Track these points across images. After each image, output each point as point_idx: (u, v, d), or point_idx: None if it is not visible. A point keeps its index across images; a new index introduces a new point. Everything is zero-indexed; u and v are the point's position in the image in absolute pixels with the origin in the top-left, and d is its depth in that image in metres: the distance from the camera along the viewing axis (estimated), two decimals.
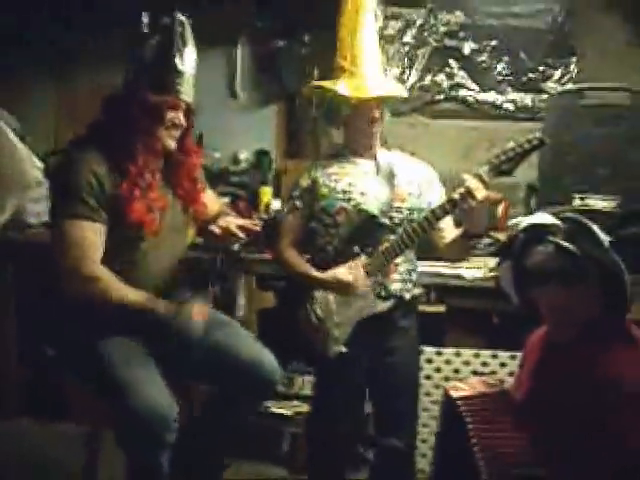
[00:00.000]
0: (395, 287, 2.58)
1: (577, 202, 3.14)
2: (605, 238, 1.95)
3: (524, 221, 2.05)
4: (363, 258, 2.54)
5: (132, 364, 2.29)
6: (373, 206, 2.56)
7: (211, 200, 2.73)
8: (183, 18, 2.36)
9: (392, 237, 2.54)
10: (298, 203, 2.68)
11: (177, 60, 2.33)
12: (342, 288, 2.54)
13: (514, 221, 2.12)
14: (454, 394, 2.07)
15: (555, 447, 1.90)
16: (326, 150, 3.14)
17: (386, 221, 2.57)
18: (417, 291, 2.68)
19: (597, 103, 3.29)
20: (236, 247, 2.75)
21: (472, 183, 2.36)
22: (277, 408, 3.42)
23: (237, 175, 4.03)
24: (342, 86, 2.57)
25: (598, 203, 3.12)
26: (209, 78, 4.18)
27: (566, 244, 1.90)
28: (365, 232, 2.57)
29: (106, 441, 2.51)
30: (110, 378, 2.25)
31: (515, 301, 2.11)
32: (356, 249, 2.56)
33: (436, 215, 2.47)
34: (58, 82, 4.26)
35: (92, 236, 2.28)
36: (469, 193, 2.36)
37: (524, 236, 2.02)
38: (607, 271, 1.91)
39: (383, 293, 2.57)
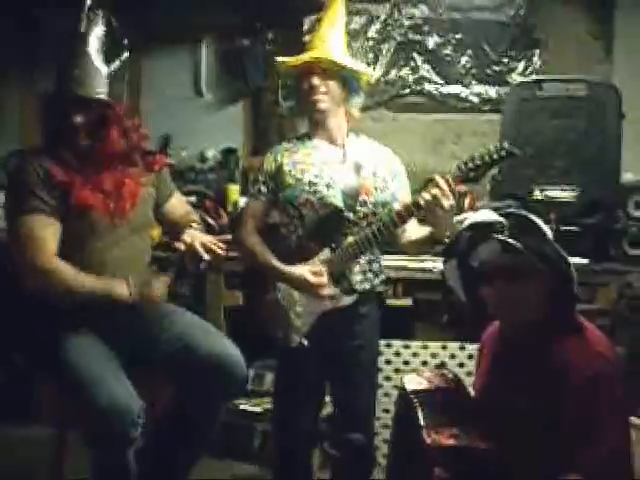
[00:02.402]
0: (357, 279, 2.58)
1: (537, 193, 3.18)
2: (548, 231, 1.95)
3: (468, 219, 2.04)
4: (327, 251, 2.53)
5: (94, 361, 2.30)
6: (338, 199, 2.54)
7: (178, 204, 2.73)
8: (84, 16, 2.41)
9: (355, 229, 2.53)
10: (263, 188, 2.63)
11: (74, 59, 2.38)
12: (306, 289, 2.53)
13: (459, 218, 2.12)
14: (409, 387, 2.08)
15: (509, 441, 1.89)
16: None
17: (351, 215, 2.55)
18: (377, 281, 2.65)
19: (554, 95, 3.33)
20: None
21: (438, 192, 2.33)
22: (247, 405, 3.44)
23: (204, 173, 4.03)
24: (286, 57, 2.62)
25: (557, 194, 3.16)
26: (175, 78, 4.24)
27: (510, 241, 1.89)
28: (329, 225, 2.55)
29: (72, 442, 2.52)
30: (72, 376, 2.26)
31: (463, 298, 2.11)
32: (319, 244, 2.54)
33: (401, 217, 2.44)
34: (22, 86, 4.23)
35: (47, 229, 2.31)
36: (436, 201, 2.34)
37: (468, 234, 2.01)
38: (552, 264, 1.90)
39: (345, 286, 2.56)
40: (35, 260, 2.28)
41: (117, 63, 2.46)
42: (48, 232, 2.32)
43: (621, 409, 1.86)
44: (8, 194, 2.44)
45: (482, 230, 1.97)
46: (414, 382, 2.12)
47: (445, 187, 2.33)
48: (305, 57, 2.58)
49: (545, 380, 1.88)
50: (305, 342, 2.55)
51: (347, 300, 2.57)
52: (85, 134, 2.39)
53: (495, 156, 2.35)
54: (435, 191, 2.33)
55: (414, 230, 2.61)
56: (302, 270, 2.52)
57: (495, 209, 2.04)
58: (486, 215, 2.00)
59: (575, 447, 1.80)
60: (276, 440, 2.79)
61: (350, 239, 2.52)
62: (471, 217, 2.04)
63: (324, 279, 2.51)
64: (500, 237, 1.92)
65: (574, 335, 1.91)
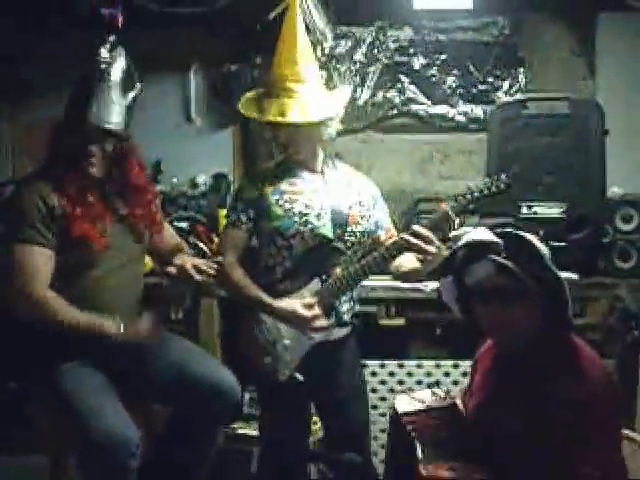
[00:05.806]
0: (344, 308, 2.57)
1: (524, 210, 3.22)
2: (546, 252, 1.91)
3: (465, 236, 2.01)
4: (316, 282, 2.50)
5: (91, 391, 2.31)
6: (329, 230, 2.52)
7: (169, 235, 2.77)
8: (106, 51, 2.43)
9: (342, 258, 2.51)
10: (242, 217, 2.56)
11: (93, 90, 2.39)
12: (298, 323, 2.47)
13: (455, 233, 2.11)
14: (400, 408, 2.07)
15: (501, 459, 1.91)
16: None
17: (340, 244, 2.54)
18: (357, 305, 2.67)
19: (539, 113, 3.38)
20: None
21: (420, 243, 2.34)
22: (243, 429, 3.43)
23: (195, 199, 4.02)
24: (261, 106, 2.52)
25: (545, 211, 3.19)
26: (164, 104, 4.24)
27: (506, 262, 1.87)
28: (319, 255, 2.51)
29: (70, 470, 2.52)
30: (70, 407, 2.27)
31: (458, 314, 2.09)
32: (308, 274, 2.51)
33: (390, 253, 2.43)
34: (13, 114, 4.24)
35: (41, 260, 2.33)
36: (421, 251, 2.36)
37: (464, 253, 1.99)
38: (548, 286, 1.88)
39: (336, 318, 2.54)
40: (26, 288, 2.29)
41: (131, 95, 2.49)
42: (41, 262, 2.33)
43: (611, 430, 1.86)
44: (5, 222, 2.44)
45: (478, 249, 1.94)
46: (404, 403, 2.12)
47: (427, 234, 2.34)
48: (285, 119, 2.46)
49: (535, 402, 1.86)
50: (300, 377, 2.50)
51: (341, 332, 2.58)
52: (104, 166, 2.43)
53: (494, 189, 2.37)
54: (416, 242, 2.34)
55: (405, 260, 2.57)
56: (294, 304, 2.46)
57: (491, 228, 2.01)
58: (482, 234, 1.96)
59: (565, 467, 1.79)
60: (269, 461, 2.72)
61: (340, 271, 2.49)
62: (467, 235, 2.01)
63: (317, 311, 2.46)
64: (495, 258, 1.89)
65: (567, 357, 1.90)
